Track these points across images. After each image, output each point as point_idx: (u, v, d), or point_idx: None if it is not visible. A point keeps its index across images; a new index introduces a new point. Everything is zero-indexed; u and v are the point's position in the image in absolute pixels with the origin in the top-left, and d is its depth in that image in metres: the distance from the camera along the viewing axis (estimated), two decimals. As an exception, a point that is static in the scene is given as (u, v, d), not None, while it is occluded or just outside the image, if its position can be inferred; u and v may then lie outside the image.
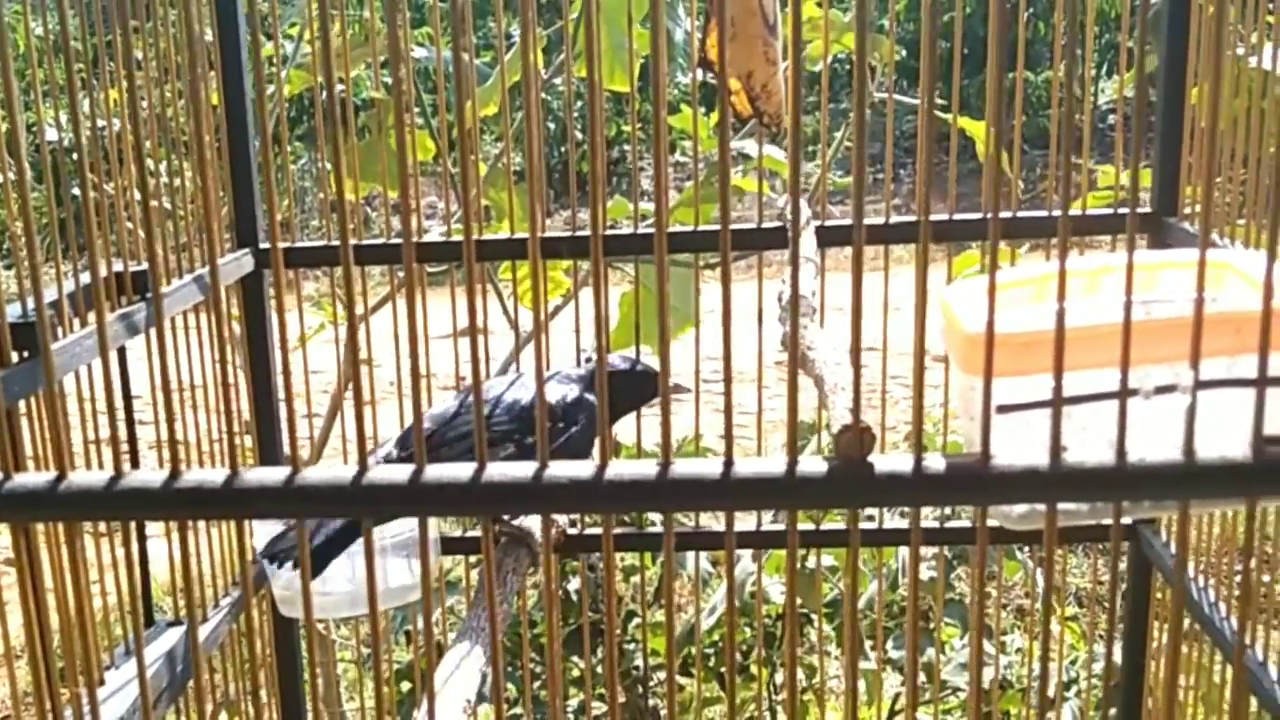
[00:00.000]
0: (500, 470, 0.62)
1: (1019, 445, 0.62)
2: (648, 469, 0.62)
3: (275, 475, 0.63)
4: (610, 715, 0.63)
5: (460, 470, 0.63)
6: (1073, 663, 2.80)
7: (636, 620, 2.72)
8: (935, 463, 0.61)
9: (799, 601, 2.45)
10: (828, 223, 1.56)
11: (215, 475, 0.63)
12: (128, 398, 1.35)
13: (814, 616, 2.73)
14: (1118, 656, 1.78)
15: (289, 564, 1.31)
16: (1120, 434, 0.60)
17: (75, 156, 1.38)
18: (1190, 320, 0.60)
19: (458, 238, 1.65)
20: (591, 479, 0.62)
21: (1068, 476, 0.60)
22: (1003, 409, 0.73)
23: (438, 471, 0.63)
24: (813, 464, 0.61)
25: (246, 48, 1.58)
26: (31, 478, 0.64)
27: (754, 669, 2.68)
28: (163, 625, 1.40)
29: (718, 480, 0.61)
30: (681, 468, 0.62)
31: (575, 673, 2.59)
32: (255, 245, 1.60)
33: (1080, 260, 0.89)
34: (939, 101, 1.75)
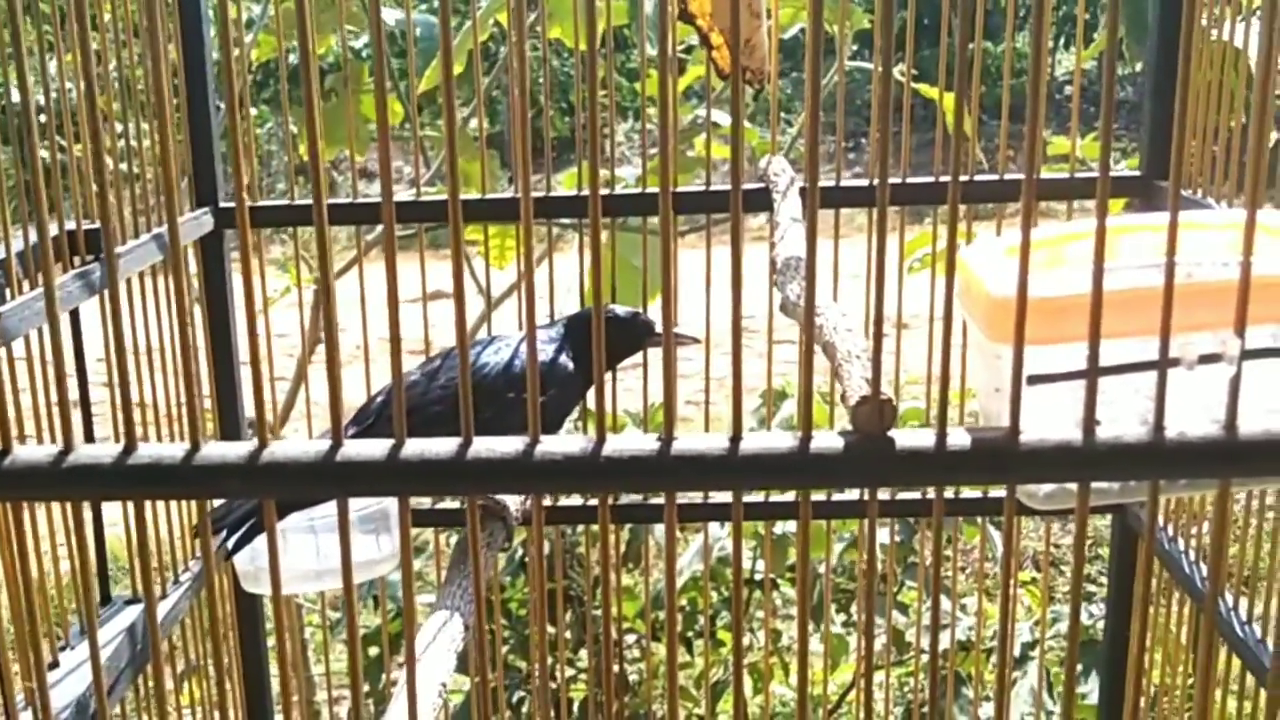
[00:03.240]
0: (487, 446, 0.57)
1: (1043, 419, 0.57)
2: (648, 444, 0.57)
3: (239, 450, 0.57)
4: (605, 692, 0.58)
5: (443, 446, 0.57)
6: (1036, 623, 2.79)
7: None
8: (960, 438, 0.56)
9: (763, 566, 2.41)
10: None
11: (173, 450, 0.57)
12: (81, 362, 1.29)
13: (778, 581, 2.71)
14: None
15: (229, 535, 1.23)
16: (1158, 407, 0.56)
17: (41, 118, 1.31)
18: (1235, 284, 0.55)
19: (427, 197, 1.60)
20: (588, 456, 0.56)
21: (1104, 453, 0.55)
22: (1034, 380, 0.68)
23: (419, 447, 0.57)
24: (828, 439, 0.56)
25: (208, 8, 1.51)
26: (-30, 453, 0.58)
27: (720, 634, 2.66)
28: (120, 603, 1.35)
29: (724, 456, 0.56)
30: (685, 443, 0.57)
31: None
32: (215, 204, 1.54)
33: (1090, 222, 0.84)
34: (912, 71, 1.71)
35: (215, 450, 0.58)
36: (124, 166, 1.40)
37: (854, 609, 2.77)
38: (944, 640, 2.58)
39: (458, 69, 2.33)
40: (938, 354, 1.59)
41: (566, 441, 0.57)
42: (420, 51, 2.57)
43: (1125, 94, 8.88)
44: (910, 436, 0.56)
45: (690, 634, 2.74)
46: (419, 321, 1.62)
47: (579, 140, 1.74)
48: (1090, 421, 0.55)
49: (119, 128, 1.40)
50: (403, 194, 1.64)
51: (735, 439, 0.57)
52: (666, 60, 0.56)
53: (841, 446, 0.56)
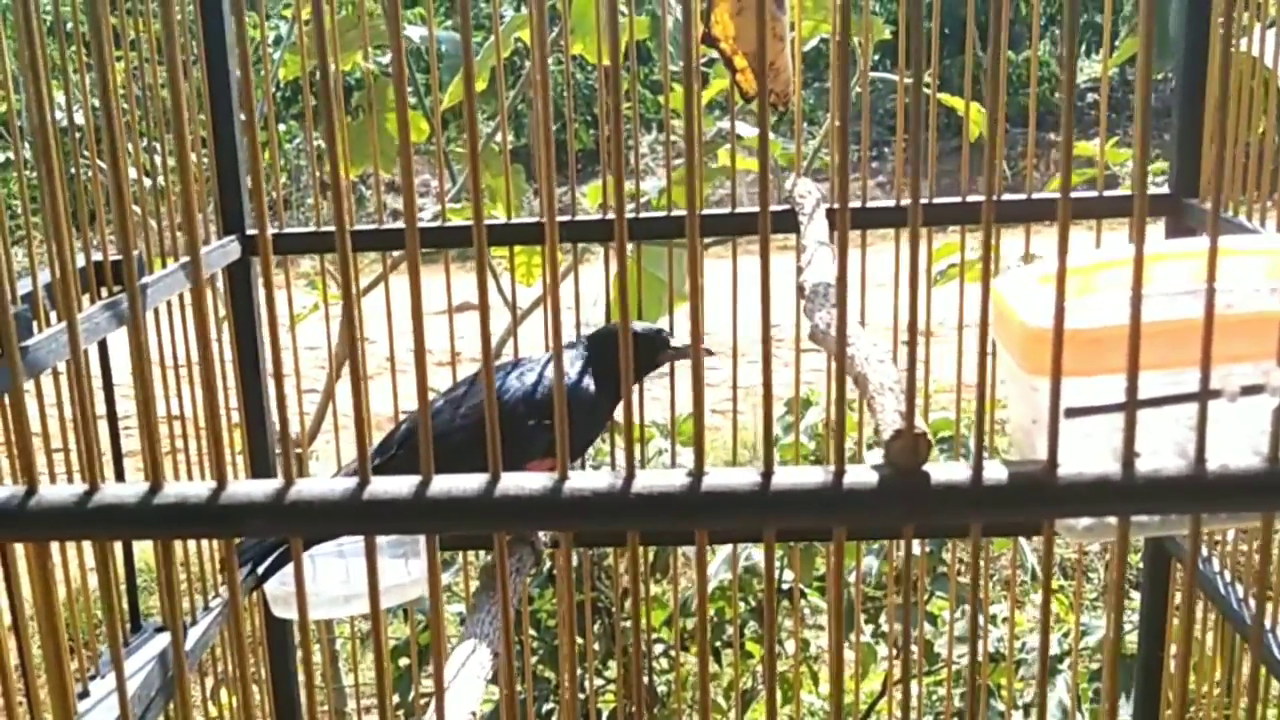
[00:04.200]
0: (515, 483, 0.56)
1: (1078, 452, 0.56)
2: (678, 480, 0.56)
3: (266, 489, 0.57)
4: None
5: (470, 483, 0.57)
6: (1065, 635, 2.76)
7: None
8: (997, 472, 0.55)
9: (793, 576, 2.40)
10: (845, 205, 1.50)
11: (199, 489, 0.57)
12: (109, 390, 1.29)
13: (805, 591, 2.70)
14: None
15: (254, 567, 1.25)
16: (1200, 440, 0.54)
17: (76, 137, 1.31)
18: (1277, 315, 0.54)
19: (454, 221, 1.59)
20: (617, 492, 0.56)
21: (1143, 487, 0.54)
22: (1071, 413, 0.67)
23: (446, 484, 0.57)
24: (862, 474, 0.55)
25: (231, 29, 1.52)
26: (-3, 492, 0.58)
27: (749, 646, 2.66)
28: (150, 630, 1.35)
29: (756, 492, 0.55)
30: (716, 479, 0.56)
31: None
32: (242, 231, 1.54)
33: (1127, 247, 0.83)
34: (927, 80, 1.70)
35: (241, 489, 0.57)
36: (152, 186, 1.40)
37: (883, 618, 2.76)
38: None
39: (481, 85, 2.33)
40: (966, 367, 1.58)
41: (595, 478, 0.57)
42: (444, 68, 2.58)
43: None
44: (945, 471, 0.55)
45: (718, 644, 2.74)
46: (445, 334, 1.62)
47: (604, 153, 1.73)
48: (1129, 455, 0.54)
49: (145, 145, 1.41)
50: (428, 211, 1.64)
51: (767, 474, 0.56)
52: (693, 98, 0.56)
53: (875, 482, 0.55)
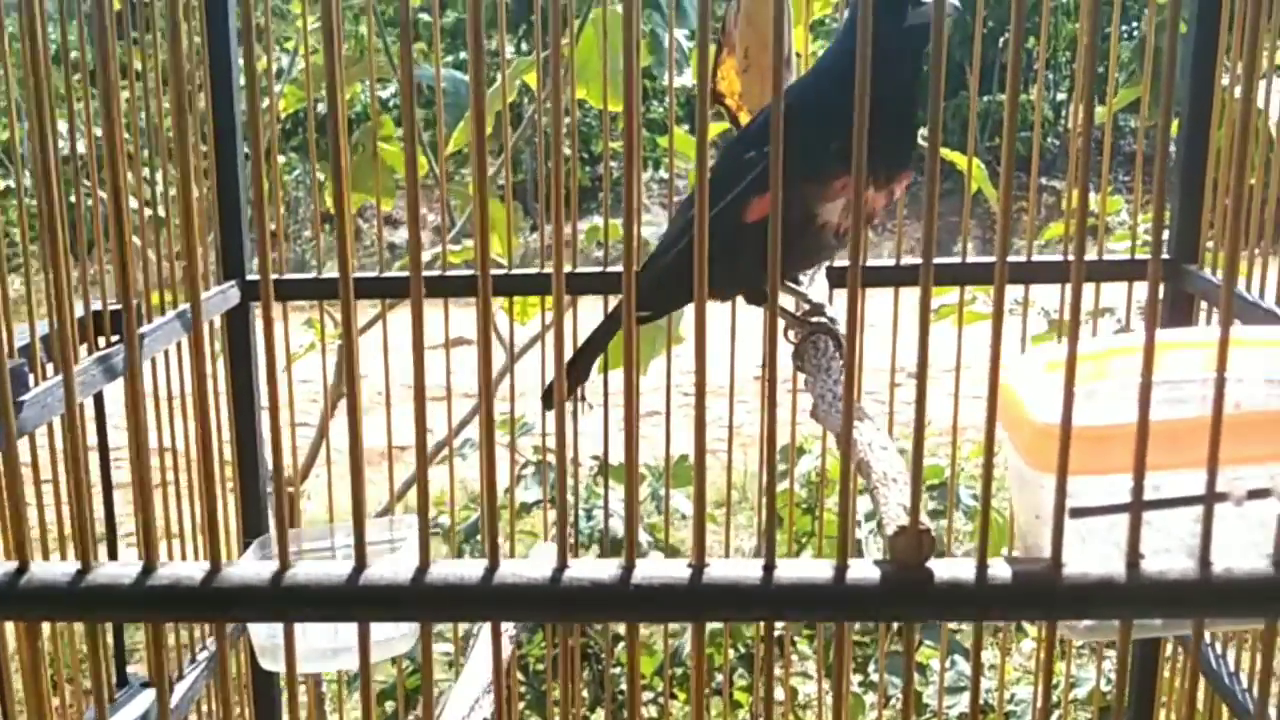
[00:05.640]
0: (513, 571, 0.56)
1: (1077, 549, 0.56)
2: (679, 571, 0.55)
3: (261, 572, 0.56)
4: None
5: (468, 570, 0.56)
6: (1054, 686, 2.73)
7: (623, 643, 2.66)
8: (1001, 570, 0.54)
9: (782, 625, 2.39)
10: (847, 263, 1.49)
11: (193, 571, 0.56)
12: (104, 448, 1.27)
13: (795, 639, 2.69)
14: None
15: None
16: (1204, 542, 0.54)
17: (78, 166, 1.29)
18: (1286, 416, 0.53)
19: (454, 264, 1.58)
20: (616, 584, 0.55)
21: (1148, 589, 0.54)
22: (1077, 512, 0.66)
23: (444, 571, 0.56)
24: (865, 569, 0.55)
25: (238, 63, 1.49)
26: (-13, 568, 0.57)
27: (736, 695, 2.64)
28: (136, 685, 1.33)
29: (758, 586, 0.55)
30: (718, 571, 0.55)
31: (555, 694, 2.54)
32: (242, 276, 1.52)
33: (1136, 336, 0.83)
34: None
35: (236, 572, 0.56)
36: (153, 219, 1.38)
37: (871, 667, 2.76)
38: (962, 703, 2.55)
39: (488, 129, 2.34)
40: (960, 411, 1.55)
41: (595, 566, 0.56)
42: (446, 106, 2.59)
43: (1128, 144, 8.80)
44: (949, 568, 0.55)
45: (705, 691, 2.72)
46: (440, 369, 1.61)
47: (606, 187, 1.73)
48: (1135, 555, 0.54)
49: (146, 176, 1.38)
50: (427, 254, 1.63)
51: (769, 568, 0.55)
52: (704, 163, 0.55)
53: (878, 578, 0.55)
